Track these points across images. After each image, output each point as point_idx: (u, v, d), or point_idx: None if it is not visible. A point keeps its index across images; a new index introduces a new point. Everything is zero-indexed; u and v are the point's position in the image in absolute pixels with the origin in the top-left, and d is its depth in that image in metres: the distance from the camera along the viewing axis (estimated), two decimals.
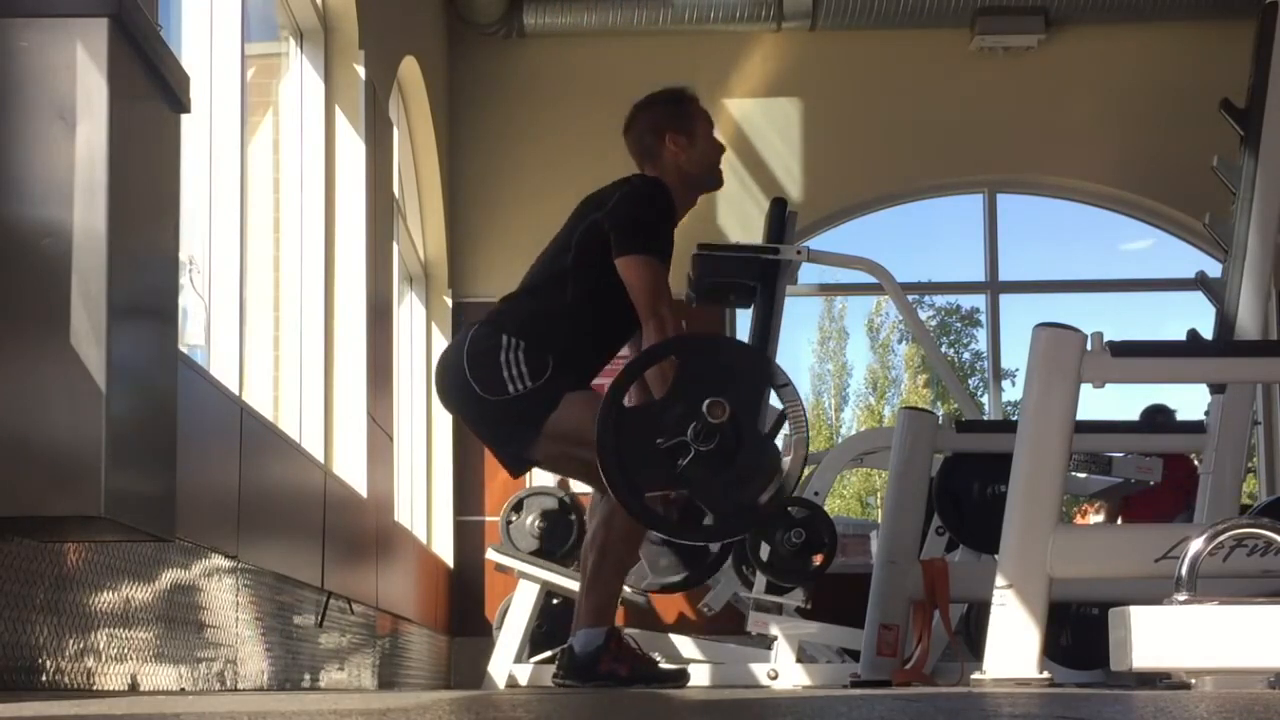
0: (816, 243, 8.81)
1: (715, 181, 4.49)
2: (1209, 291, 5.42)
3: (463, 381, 4.16)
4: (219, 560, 4.09)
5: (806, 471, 7.46)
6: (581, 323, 4.18)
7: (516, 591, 7.48)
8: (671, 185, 4.29)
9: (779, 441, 6.73)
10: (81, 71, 2.50)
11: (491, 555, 7.72)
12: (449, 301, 9.00)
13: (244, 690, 4.25)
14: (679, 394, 3.79)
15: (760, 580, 6.23)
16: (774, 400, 6.30)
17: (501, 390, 4.09)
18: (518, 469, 4.34)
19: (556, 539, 7.89)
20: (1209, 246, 8.15)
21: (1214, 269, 5.54)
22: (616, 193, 4.26)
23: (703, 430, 3.72)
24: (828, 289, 10.58)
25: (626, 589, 7.59)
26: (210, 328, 4.78)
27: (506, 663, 7.30)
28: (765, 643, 6.81)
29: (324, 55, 6.22)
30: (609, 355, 4.35)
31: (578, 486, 8.34)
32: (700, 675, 6.62)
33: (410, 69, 7.82)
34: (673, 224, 4.25)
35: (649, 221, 4.18)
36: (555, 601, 7.49)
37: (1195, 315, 5.82)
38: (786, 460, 3.94)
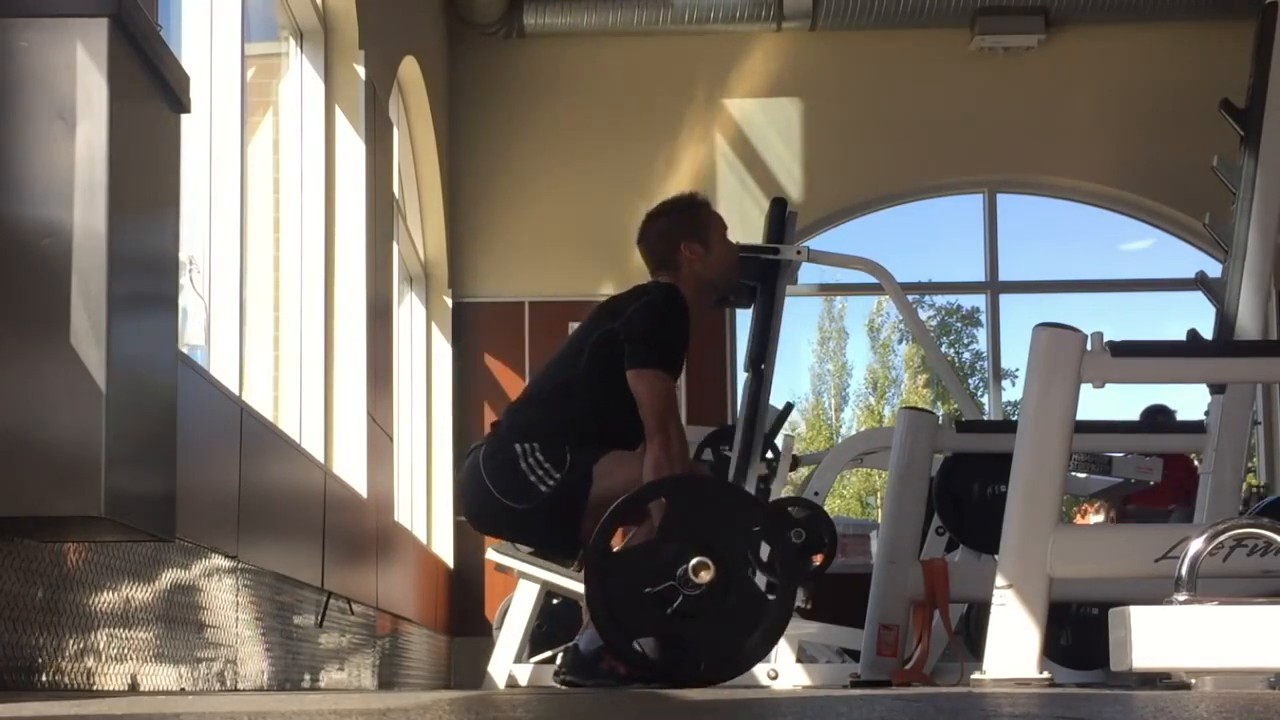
0: (816, 243, 8.81)
1: (733, 286, 4.49)
2: (1209, 291, 5.42)
3: (492, 500, 4.13)
4: (219, 560, 4.09)
5: (806, 471, 7.48)
6: (589, 423, 4.15)
7: (516, 591, 7.48)
8: (688, 292, 4.26)
9: (779, 442, 6.74)
10: (81, 71, 2.50)
11: (491, 555, 7.72)
12: (449, 301, 9.00)
13: (244, 690, 4.25)
14: (668, 537, 3.78)
15: (760, 580, 6.22)
16: (774, 401, 6.32)
17: (534, 493, 4.06)
18: (576, 558, 4.34)
19: None
20: (1209, 246, 8.15)
21: (1214, 269, 5.54)
22: (634, 303, 4.21)
23: (689, 574, 3.73)
24: (828, 289, 10.59)
25: None
26: (210, 328, 4.78)
27: (506, 663, 7.30)
28: None
29: (324, 55, 6.22)
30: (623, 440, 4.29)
31: None
32: None
33: (410, 69, 7.82)
34: (687, 336, 4.22)
35: (665, 336, 4.15)
36: (555, 601, 7.49)
37: (1195, 315, 5.82)
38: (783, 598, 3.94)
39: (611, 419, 4.12)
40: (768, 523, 4.10)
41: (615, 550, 3.90)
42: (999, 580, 4.16)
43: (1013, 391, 17.02)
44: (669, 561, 3.75)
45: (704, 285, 4.36)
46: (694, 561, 3.72)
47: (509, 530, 4.39)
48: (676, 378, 4.16)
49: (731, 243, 4.48)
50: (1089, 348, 4.14)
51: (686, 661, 3.86)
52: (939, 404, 22.54)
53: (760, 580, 4.34)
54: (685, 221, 4.39)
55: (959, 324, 28.73)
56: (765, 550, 6.01)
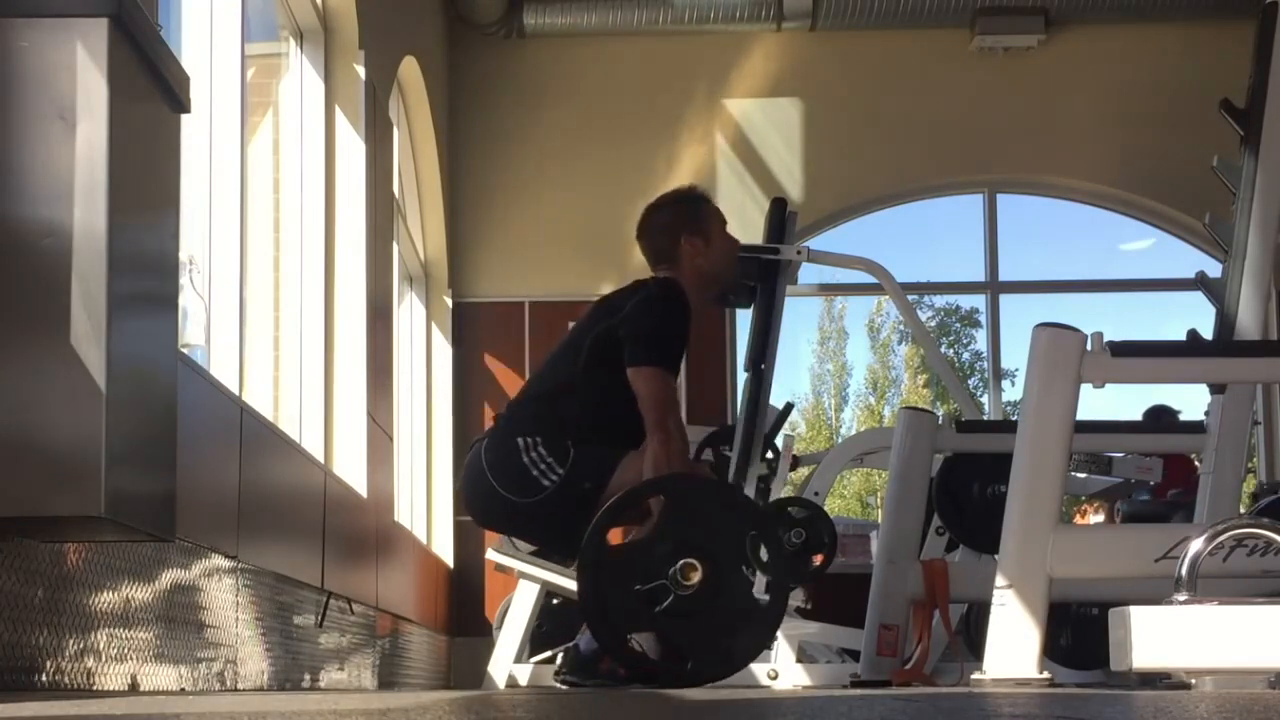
0: (816, 243, 8.81)
1: (733, 279, 4.51)
2: (1209, 291, 5.41)
3: (494, 494, 4.11)
4: (219, 560, 4.09)
5: (806, 471, 7.48)
6: (590, 419, 4.12)
7: (516, 591, 7.48)
8: (689, 285, 4.25)
9: (779, 442, 6.74)
10: (81, 71, 2.50)
11: (491, 555, 7.72)
12: (449, 301, 9.00)
13: (244, 690, 4.25)
14: (664, 535, 3.78)
15: (760, 580, 6.23)
16: (774, 401, 6.32)
17: (537, 488, 4.04)
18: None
19: None
20: (1209, 246, 8.15)
21: (1214, 269, 5.53)
22: (632, 298, 4.19)
23: (680, 573, 3.73)
24: (828, 289, 10.59)
25: None
26: (210, 328, 4.78)
27: (506, 663, 7.30)
28: None
29: (324, 55, 6.22)
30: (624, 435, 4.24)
31: None
32: None
33: (410, 69, 7.82)
34: (686, 331, 4.20)
35: (664, 333, 4.13)
36: (555, 601, 7.48)
37: (1195, 315, 5.81)
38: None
39: (612, 415, 4.10)
40: (763, 527, 4.09)
41: (609, 546, 3.90)
42: (999, 580, 4.16)
43: (1013, 391, 17.02)
44: (662, 560, 3.74)
45: (705, 279, 4.35)
46: (682, 563, 3.71)
47: (509, 525, 4.38)
48: (676, 373, 4.15)
49: (732, 236, 4.47)
50: (1089, 348, 4.14)
51: (676, 660, 3.86)
52: (939, 404, 22.53)
53: (760, 582, 4.33)
54: (686, 215, 4.38)
55: (959, 324, 28.72)
56: (765, 551, 6.01)
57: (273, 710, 1.87)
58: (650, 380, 4.06)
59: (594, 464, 4.05)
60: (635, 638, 4.27)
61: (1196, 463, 5.86)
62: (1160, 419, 7.88)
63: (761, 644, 3.97)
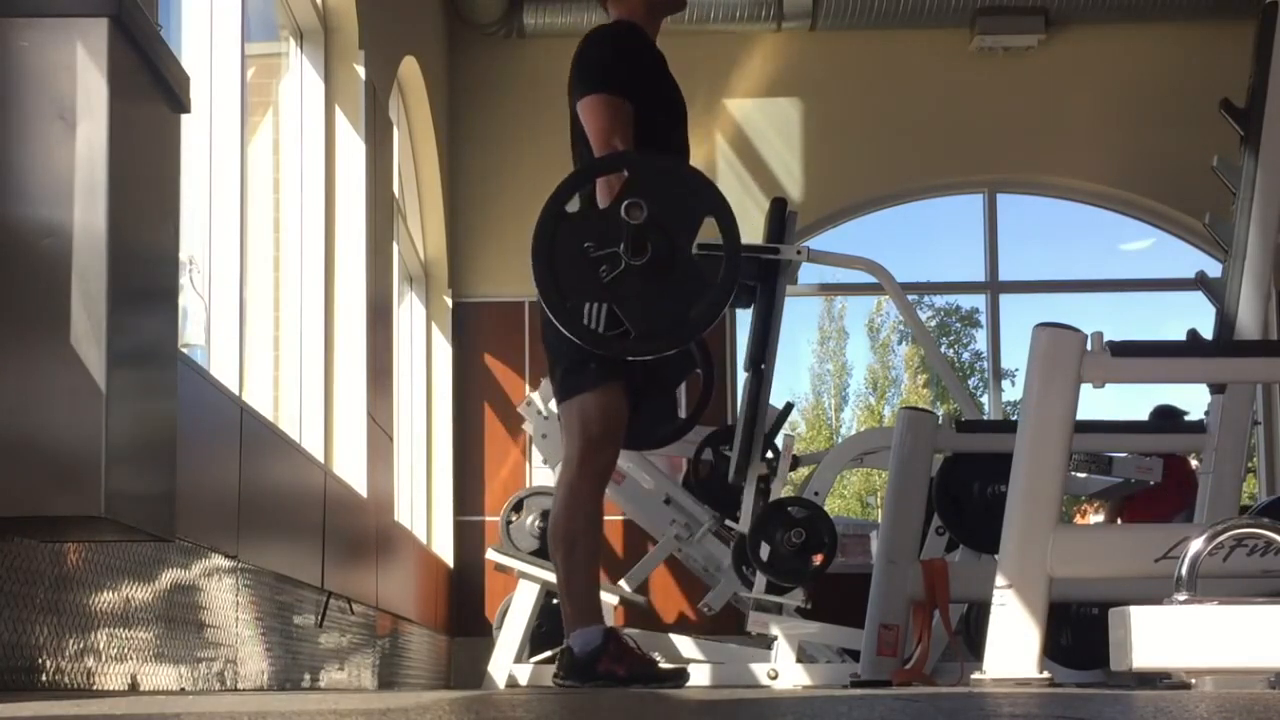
0: (816, 243, 8.81)
1: (677, 4, 4.52)
2: (1209, 291, 5.42)
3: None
4: (219, 560, 4.09)
5: (806, 471, 7.48)
6: None
7: (516, 591, 7.48)
8: (638, 18, 4.30)
9: (779, 441, 6.74)
10: (81, 71, 2.50)
11: (491, 555, 7.72)
12: (449, 301, 9.00)
13: (244, 690, 4.25)
14: (620, 204, 3.72)
15: (760, 580, 6.23)
16: (774, 401, 6.32)
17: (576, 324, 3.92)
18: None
19: None
20: (1209, 246, 8.16)
21: (1214, 269, 5.53)
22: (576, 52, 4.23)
23: (632, 241, 3.68)
24: (828, 289, 10.59)
25: (625, 588, 7.62)
26: (210, 328, 4.78)
27: (506, 663, 7.30)
28: (765, 643, 6.80)
29: (324, 55, 6.22)
30: None
31: None
32: (700, 675, 6.62)
33: (410, 69, 7.82)
34: (639, 58, 4.21)
35: (602, 59, 4.15)
36: (555, 601, 7.47)
37: (1195, 315, 5.82)
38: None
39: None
40: (722, 211, 3.94)
41: (565, 211, 3.83)
42: (999, 580, 4.16)
43: (1013, 391, 17.03)
44: (615, 228, 3.70)
45: (651, 6, 4.39)
46: (626, 203, 3.66)
47: (547, 346, 4.25)
48: (633, 100, 4.08)
49: None
50: (1089, 348, 4.14)
51: (621, 333, 3.83)
52: (939, 404, 22.54)
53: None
54: None
55: (959, 324, 28.74)
56: (765, 551, 6.02)
57: (273, 710, 1.87)
58: (593, 106, 4.07)
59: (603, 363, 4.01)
60: (632, 638, 4.27)
61: (1196, 463, 5.86)
62: (1166, 419, 7.89)
63: (708, 320, 3.90)
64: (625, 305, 3.79)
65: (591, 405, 4.11)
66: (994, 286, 9.53)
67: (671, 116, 4.34)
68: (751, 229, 6.57)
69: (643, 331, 3.83)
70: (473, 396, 9.00)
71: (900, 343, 30.65)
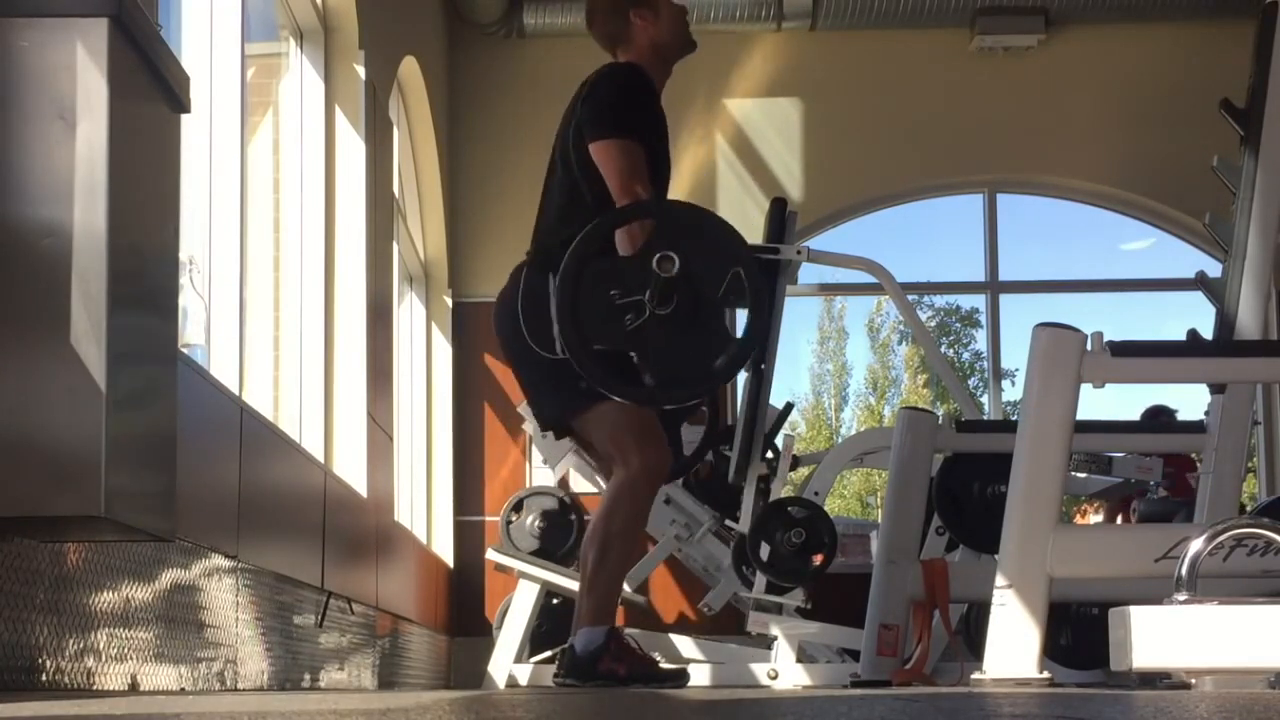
0: (816, 243, 8.80)
1: (689, 46, 4.45)
2: (1209, 291, 5.42)
3: (517, 328, 4.04)
4: (219, 560, 4.09)
5: (806, 471, 7.48)
6: (567, 229, 4.05)
7: (516, 591, 7.48)
8: (647, 63, 4.28)
9: (779, 442, 6.74)
10: (81, 71, 2.50)
11: (491, 555, 7.73)
12: (449, 301, 9.00)
13: (244, 690, 4.25)
14: (648, 254, 3.71)
15: (760, 580, 6.23)
16: (774, 401, 6.32)
17: (550, 348, 3.95)
18: (551, 429, 4.23)
19: (556, 539, 7.90)
20: (1209, 246, 8.15)
21: (1214, 269, 5.54)
22: (590, 83, 4.22)
23: (658, 292, 3.66)
24: (828, 289, 10.59)
25: (626, 589, 7.61)
26: (210, 328, 4.78)
27: (506, 663, 7.30)
28: (765, 643, 6.81)
29: (324, 55, 6.22)
30: None
31: (577, 486, 8.34)
32: (700, 675, 6.62)
33: (410, 69, 7.82)
34: (650, 104, 4.20)
35: (618, 103, 4.14)
36: (555, 601, 7.49)
37: (1195, 315, 5.82)
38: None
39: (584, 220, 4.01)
40: (748, 261, 3.92)
41: (593, 255, 3.81)
42: (999, 580, 4.17)
43: (1013, 391, 17.05)
44: (642, 277, 3.68)
45: (660, 52, 4.35)
46: (658, 256, 3.64)
47: (522, 370, 4.22)
48: (646, 144, 4.10)
49: (677, 3, 4.44)
50: (1089, 348, 4.14)
51: (640, 381, 3.82)
52: (939, 404, 22.55)
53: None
54: None
55: (959, 324, 28.74)
56: (765, 551, 6.01)
57: (273, 710, 1.87)
58: (611, 150, 4.06)
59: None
60: (632, 638, 4.27)
61: (1197, 463, 5.87)
62: (1158, 419, 7.90)
63: (729, 373, 3.90)
64: (648, 354, 3.78)
65: (613, 410, 4.05)
66: (994, 286, 9.53)
67: (663, 162, 4.33)
68: (752, 229, 6.58)
69: (663, 380, 3.82)
70: (473, 396, 9.00)
71: (900, 343, 30.66)
